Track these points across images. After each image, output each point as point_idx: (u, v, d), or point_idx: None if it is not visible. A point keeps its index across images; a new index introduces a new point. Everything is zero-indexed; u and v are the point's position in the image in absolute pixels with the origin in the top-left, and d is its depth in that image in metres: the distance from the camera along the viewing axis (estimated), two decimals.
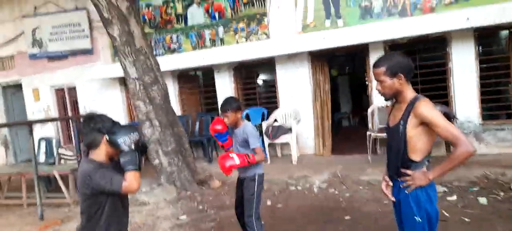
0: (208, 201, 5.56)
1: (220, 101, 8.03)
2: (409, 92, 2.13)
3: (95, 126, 2.14)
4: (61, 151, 7.54)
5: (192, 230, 4.60)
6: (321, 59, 7.20)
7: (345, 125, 10.99)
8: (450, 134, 1.96)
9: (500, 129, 6.00)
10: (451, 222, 3.96)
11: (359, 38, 6.42)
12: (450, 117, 5.45)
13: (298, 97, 7.32)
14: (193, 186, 5.93)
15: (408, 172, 2.12)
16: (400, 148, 2.11)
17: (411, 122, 2.06)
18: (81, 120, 2.27)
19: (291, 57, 7.26)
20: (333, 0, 6.71)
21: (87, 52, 9.13)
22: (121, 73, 8.36)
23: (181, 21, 8.02)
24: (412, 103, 2.07)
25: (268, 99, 7.80)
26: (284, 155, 7.45)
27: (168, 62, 7.59)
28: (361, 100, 11.47)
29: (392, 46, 6.63)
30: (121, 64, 5.25)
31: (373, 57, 6.70)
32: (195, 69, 8.02)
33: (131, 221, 4.89)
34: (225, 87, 7.97)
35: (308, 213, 4.71)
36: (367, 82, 7.15)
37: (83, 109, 9.46)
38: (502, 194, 4.54)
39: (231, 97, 3.47)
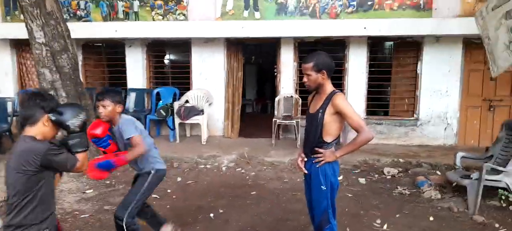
0: (116, 176, 5.47)
1: (129, 76, 7.82)
2: (329, 87, 2.59)
3: (40, 102, 2.06)
4: None
5: (101, 204, 4.53)
6: (237, 47, 7.55)
7: (249, 111, 11.64)
8: (357, 123, 2.47)
9: (379, 123, 7.19)
10: (338, 197, 4.70)
11: (274, 32, 6.94)
12: None
13: (212, 80, 7.56)
14: None
15: (320, 150, 2.58)
16: (317, 131, 2.56)
17: (329, 110, 2.51)
18: (26, 94, 2.12)
19: (208, 42, 7.44)
20: None
21: None
22: (13, 35, 7.56)
23: None
24: (331, 96, 2.53)
25: (181, 79, 7.85)
26: (193, 136, 7.64)
27: (74, 31, 7.02)
28: (264, 89, 12.30)
29: (301, 43, 7.33)
30: (27, 27, 4.77)
31: (285, 50, 7.34)
32: (104, 41, 7.59)
33: None
34: (137, 63, 7.77)
35: (217, 189, 5.03)
36: (275, 73, 7.73)
37: None
38: (376, 175, 5.52)
39: (112, 89, 3.17)
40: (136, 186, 2.99)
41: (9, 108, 6.46)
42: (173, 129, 7.22)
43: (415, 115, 7.15)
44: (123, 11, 7.47)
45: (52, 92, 5.26)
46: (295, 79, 7.38)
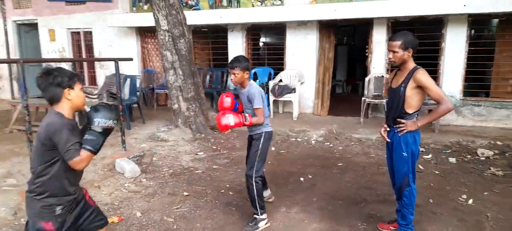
0: (220, 144, 6.40)
1: (231, 57, 8.72)
2: (411, 63, 2.89)
3: (54, 80, 2.06)
4: None
5: (210, 164, 5.44)
6: (329, 29, 7.88)
7: (339, 92, 11.82)
8: (438, 95, 2.77)
9: (477, 105, 6.89)
10: (424, 173, 4.88)
11: (367, 12, 7.10)
12: None
13: (304, 61, 8.05)
14: (206, 130, 6.74)
15: (402, 120, 2.93)
16: (400, 103, 2.91)
17: (410, 84, 2.83)
18: (39, 75, 2.10)
19: (301, 24, 7.92)
20: None
21: (106, 0, 9.60)
22: (138, 23, 9.04)
23: None
24: (413, 71, 2.84)
25: (275, 60, 8.50)
26: (285, 112, 8.28)
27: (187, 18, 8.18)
28: (355, 70, 12.29)
29: (394, 23, 7.33)
30: (154, 16, 5.87)
31: (377, 31, 7.44)
32: (210, 26, 8.60)
33: (158, 152, 5.76)
34: (237, 46, 8.64)
35: (306, 159, 5.58)
36: (367, 54, 7.87)
37: (98, 54, 10.06)
38: (468, 156, 5.46)
39: (241, 56, 3.40)
40: (253, 148, 3.41)
41: (138, 84, 7.89)
42: (268, 105, 7.95)
43: None
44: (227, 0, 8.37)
45: (171, 71, 6.38)
46: (386, 60, 7.45)
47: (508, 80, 6.90)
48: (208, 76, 8.98)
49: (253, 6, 8.13)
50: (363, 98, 7.25)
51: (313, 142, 6.47)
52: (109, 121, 2.12)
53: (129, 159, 5.12)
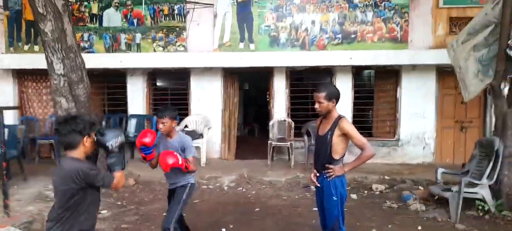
0: (126, 198, 5.82)
1: (130, 103, 8.22)
2: (335, 112, 3.15)
3: (77, 127, 2.24)
4: None
5: (118, 223, 4.87)
6: (233, 75, 8.13)
7: (237, 134, 12.14)
8: (361, 142, 3.04)
9: None
10: None
11: (268, 62, 7.60)
12: None
13: (210, 107, 8.07)
14: None
15: (331, 166, 3.12)
16: (327, 149, 3.10)
17: (336, 132, 3.06)
18: (60, 121, 2.31)
19: (206, 71, 8.00)
20: (247, 26, 7.74)
21: None
22: (16, 65, 7.88)
23: (95, 21, 7.98)
24: (338, 120, 3.10)
25: (179, 106, 8.31)
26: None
27: None
28: (249, 114, 12.97)
29: (292, 71, 7.99)
30: (47, 59, 5.17)
31: (277, 78, 7.97)
32: (107, 70, 8.01)
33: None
34: (138, 91, 8.21)
35: (223, 207, 5.45)
36: (268, 99, 8.33)
37: None
38: (366, 192, 6.11)
39: (170, 106, 3.50)
40: (177, 198, 3.41)
41: (18, 135, 6.72)
42: None
43: (396, 136, 7.87)
44: (126, 42, 7.95)
45: None
46: (287, 104, 8.00)
47: (385, 122, 8.07)
48: (104, 123, 8.21)
49: (154, 50, 7.90)
50: (269, 141, 7.55)
51: (225, 188, 6.39)
52: (118, 137, 2.38)
53: (16, 227, 4.23)
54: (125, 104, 8.34)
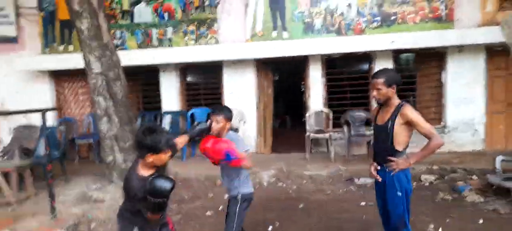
0: None
1: (164, 100, 8.17)
2: (396, 99, 2.87)
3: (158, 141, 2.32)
4: None
5: None
6: (266, 66, 7.90)
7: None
8: (428, 130, 2.75)
9: None
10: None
11: (302, 50, 7.30)
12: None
13: (243, 100, 7.88)
14: None
15: (393, 159, 2.84)
16: (388, 140, 2.83)
17: (398, 120, 2.78)
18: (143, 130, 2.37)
19: (238, 63, 7.80)
20: (280, 13, 7.46)
21: (11, 40, 8.33)
22: (53, 66, 7.97)
23: (127, 17, 7.94)
24: (399, 107, 2.81)
25: (213, 100, 8.18)
26: None
27: None
28: (282, 106, 12.66)
29: (328, 59, 7.66)
30: (85, 58, 5.14)
31: (313, 67, 7.66)
32: (141, 67, 7.97)
33: (95, 217, 4.89)
34: (171, 87, 8.13)
35: (266, 204, 5.27)
36: (302, 89, 8.05)
37: (1, 102, 8.58)
38: (414, 183, 5.71)
39: (226, 106, 3.24)
40: (230, 212, 3.17)
41: (58, 136, 6.81)
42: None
43: (442, 123, 7.40)
44: (157, 38, 7.87)
45: (105, 118, 5.62)
46: (323, 94, 7.69)
47: (430, 108, 7.61)
48: (139, 120, 8.21)
49: (186, 44, 7.78)
50: (307, 134, 7.29)
51: (265, 183, 6.21)
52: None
53: (63, 230, 4.23)
54: (158, 101, 8.29)
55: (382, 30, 7.21)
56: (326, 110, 7.51)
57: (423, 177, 5.86)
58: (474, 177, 5.70)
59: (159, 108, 8.27)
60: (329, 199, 5.39)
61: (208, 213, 5.01)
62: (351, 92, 7.68)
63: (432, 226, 4.17)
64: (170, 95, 8.17)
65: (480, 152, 7.11)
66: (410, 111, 2.77)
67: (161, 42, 7.87)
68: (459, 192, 5.16)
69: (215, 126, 3.01)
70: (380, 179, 2.97)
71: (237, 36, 7.64)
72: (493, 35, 6.64)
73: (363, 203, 5.06)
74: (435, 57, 7.39)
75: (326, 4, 7.39)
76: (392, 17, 7.20)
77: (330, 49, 7.30)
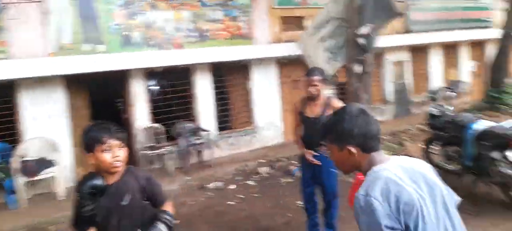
0: None
1: None
2: (325, 93, 3.36)
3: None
4: None
5: None
6: (80, 84, 6.80)
7: None
8: None
9: (229, 136, 8.21)
10: (247, 201, 5.39)
11: (122, 64, 6.79)
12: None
13: (53, 126, 6.47)
14: None
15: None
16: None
17: (329, 111, 3.26)
18: None
19: (43, 81, 6.37)
20: (93, 25, 6.64)
21: None
22: None
23: None
24: (328, 100, 3.36)
25: (5, 130, 6.28)
26: (41, 195, 6.24)
27: None
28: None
29: (150, 73, 7.41)
30: None
31: (134, 81, 7.22)
32: None
33: None
34: None
35: None
36: (120, 106, 7.46)
37: None
38: (256, 176, 6.48)
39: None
40: None
41: None
42: (14, 193, 5.76)
43: (253, 124, 8.59)
44: None
45: None
46: (149, 109, 7.38)
47: (243, 113, 8.67)
48: None
49: None
50: (140, 152, 6.79)
51: None
52: None
53: None
54: None
55: (199, 44, 7.68)
56: (156, 125, 7.23)
57: (260, 170, 6.68)
58: (293, 161, 6.99)
59: None
60: (198, 209, 5.30)
61: None
62: (176, 105, 7.73)
63: (299, 202, 4.91)
64: None
65: (283, 144, 8.71)
66: (337, 102, 3.37)
67: None
68: (293, 174, 6.23)
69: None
70: (318, 163, 3.36)
71: (36, 50, 6.23)
72: (281, 50, 8.42)
73: (232, 202, 5.32)
74: (242, 69, 8.51)
75: (143, 18, 7.16)
76: (206, 33, 7.79)
77: (151, 63, 7.13)
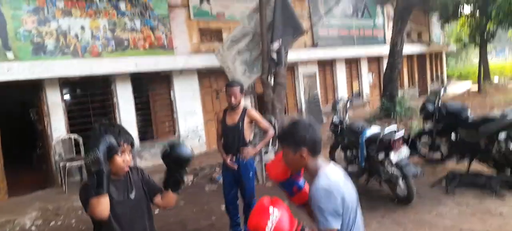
0: None
1: None
2: (243, 103, 3.75)
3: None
4: None
5: None
6: None
7: None
8: (266, 125, 3.79)
9: (152, 146, 8.22)
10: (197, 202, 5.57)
11: (34, 73, 6.45)
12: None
13: None
14: None
15: (245, 149, 3.68)
16: (241, 136, 3.66)
17: (246, 120, 3.67)
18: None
19: None
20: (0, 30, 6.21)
21: None
22: None
23: None
24: (245, 110, 3.72)
25: None
26: None
27: None
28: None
29: (66, 82, 7.13)
30: None
31: (49, 91, 6.89)
32: None
33: None
34: None
35: None
36: (33, 118, 7.04)
37: None
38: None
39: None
40: None
41: None
42: None
43: (176, 133, 8.73)
44: None
45: None
46: (66, 120, 7.09)
47: (165, 123, 8.74)
48: None
49: None
50: (61, 164, 6.48)
51: (33, 228, 5.16)
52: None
53: None
54: None
55: (118, 53, 7.61)
56: (74, 136, 6.96)
57: (185, 178, 6.86)
58: (217, 168, 7.34)
59: None
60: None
61: None
62: (95, 115, 7.53)
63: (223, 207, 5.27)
64: None
65: (206, 152, 8.99)
66: (253, 113, 3.78)
67: None
68: (217, 181, 6.56)
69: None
70: (236, 167, 3.73)
71: None
72: (201, 61, 8.73)
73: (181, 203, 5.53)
74: (164, 79, 8.61)
75: (56, 24, 6.88)
76: (125, 43, 7.75)
77: (67, 72, 6.89)
